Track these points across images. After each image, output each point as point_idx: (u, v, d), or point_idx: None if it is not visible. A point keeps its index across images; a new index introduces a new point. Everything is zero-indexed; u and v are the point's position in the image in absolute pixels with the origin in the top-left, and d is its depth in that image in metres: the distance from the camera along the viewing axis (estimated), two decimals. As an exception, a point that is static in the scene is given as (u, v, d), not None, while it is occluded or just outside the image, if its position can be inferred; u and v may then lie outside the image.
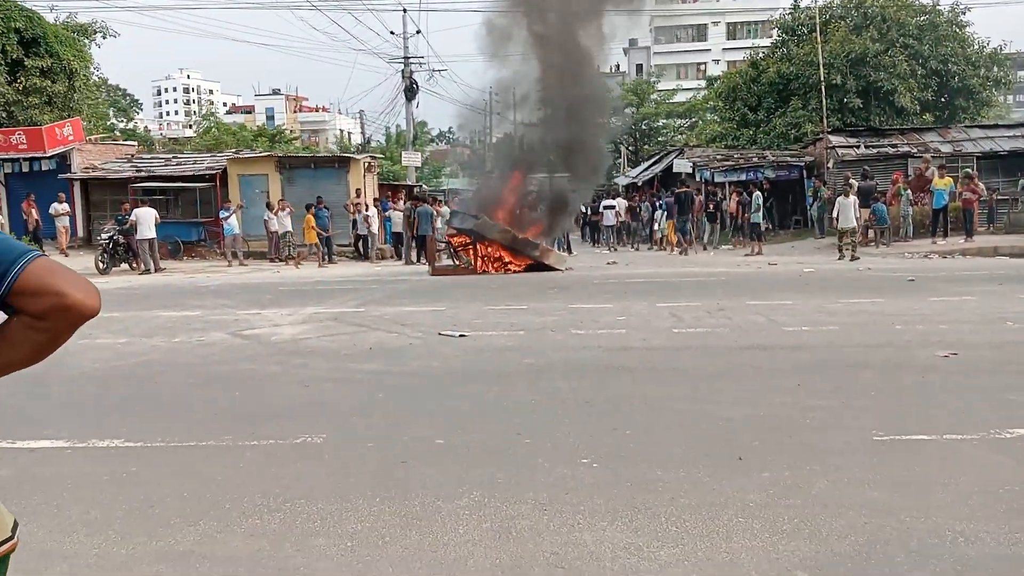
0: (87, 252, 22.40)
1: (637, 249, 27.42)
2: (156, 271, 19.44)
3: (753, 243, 21.97)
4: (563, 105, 19.11)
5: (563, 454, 4.55)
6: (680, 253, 22.79)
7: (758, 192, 22.64)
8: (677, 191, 25.25)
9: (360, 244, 23.63)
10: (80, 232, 25.64)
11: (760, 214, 22.02)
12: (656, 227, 25.93)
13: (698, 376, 6.60)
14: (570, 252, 23.63)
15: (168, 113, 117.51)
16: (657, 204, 26.45)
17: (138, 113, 67.39)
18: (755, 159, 28.13)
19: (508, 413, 5.51)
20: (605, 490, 3.97)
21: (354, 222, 23.37)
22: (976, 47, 31.10)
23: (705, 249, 23.96)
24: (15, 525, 1.63)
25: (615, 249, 27.08)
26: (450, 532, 3.52)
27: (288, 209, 22.11)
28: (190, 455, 4.77)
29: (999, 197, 23.01)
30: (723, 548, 3.30)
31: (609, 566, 3.16)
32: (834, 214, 18.91)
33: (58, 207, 22.72)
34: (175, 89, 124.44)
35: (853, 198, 18.50)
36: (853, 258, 17.64)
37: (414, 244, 21.96)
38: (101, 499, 4.03)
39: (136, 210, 20.13)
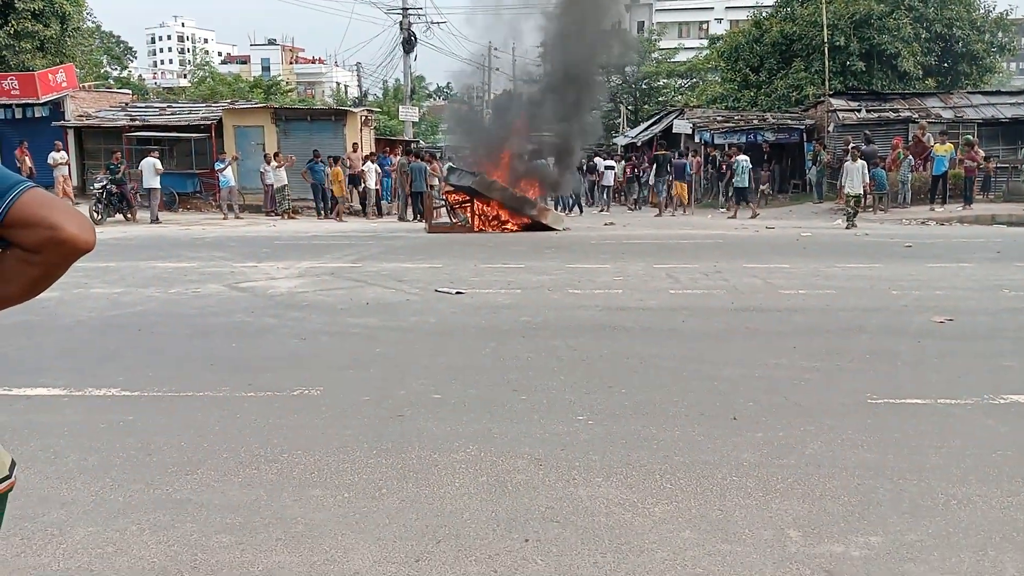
0: (81, 202, 22.21)
1: (633, 210, 27.26)
2: (152, 222, 19.33)
3: (734, 206, 21.84)
4: (568, 61, 18.75)
5: (559, 410, 4.57)
6: (671, 214, 22.66)
7: (743, 156, 22.25)
8: (656, 153, 24.98)
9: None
10: (75, 182, 25.38)
11: (746, 178, 21.71)
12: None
13: (694, 337, 6.61)
14: (569, 212, 23.49)
15: (162, 62, 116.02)
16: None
17: (132, 61, 66.45)
18: (755, 121, 27.87)
19: (504, 369, 5.52)
20: (600, 447, 3.99)
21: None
22: (982, 11, 30.73)
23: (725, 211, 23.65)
24: (12, 465, 1.62)
25: (607, 210, 26.90)
26: (446, 485, 3.54)
27: (287, 163, 21.88)
28: (187, 405, 4.78)
29: (999, 165, 22.86)
30: (716, 506, 3.33)
31: (603, 521, 3.19)
32: (841, 179, 18.52)
33: (56, 156, 22.29)
34: (169, 38, 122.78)
35: (861, 163, 18.15)
36: (851, 225, 17.52)
37: (409, 200, 21.81)
38: (98, 447, 4.04)
39: (143, 161, 20.20)
